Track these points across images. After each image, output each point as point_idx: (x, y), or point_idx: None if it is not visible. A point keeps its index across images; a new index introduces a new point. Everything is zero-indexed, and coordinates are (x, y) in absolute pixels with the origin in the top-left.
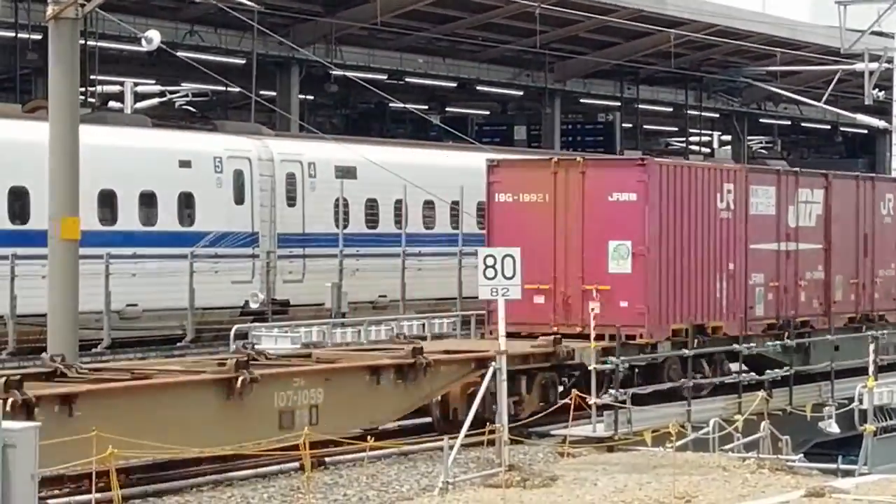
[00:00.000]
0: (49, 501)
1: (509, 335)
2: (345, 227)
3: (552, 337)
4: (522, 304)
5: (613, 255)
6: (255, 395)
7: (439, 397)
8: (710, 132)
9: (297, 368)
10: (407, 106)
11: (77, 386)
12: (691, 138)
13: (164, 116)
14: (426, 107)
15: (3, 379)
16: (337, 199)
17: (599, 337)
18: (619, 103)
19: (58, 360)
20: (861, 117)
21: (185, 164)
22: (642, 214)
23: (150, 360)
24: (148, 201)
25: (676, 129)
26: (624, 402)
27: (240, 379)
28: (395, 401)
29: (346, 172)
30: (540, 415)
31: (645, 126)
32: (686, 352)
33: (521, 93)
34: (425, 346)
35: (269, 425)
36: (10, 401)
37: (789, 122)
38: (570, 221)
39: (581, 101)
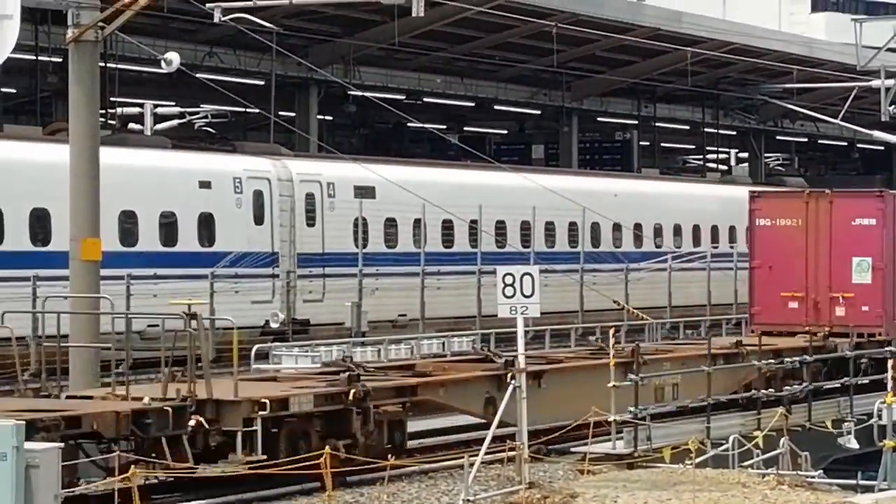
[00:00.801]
0: None
1: (767, 333)
2: (364, 246)
3: (821, 333)
4: (779, 308)
5: (857, 268)
6: (642, 375)
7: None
8: (727, 150)
9: (667, 355)
10: (425, 125)
11: (543, 366)
12: (708, 156)
13: (184, 138)
14: (444, 126)
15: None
16: (356, 219)
17: (845, 334)
18: (636, 121)
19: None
20: (878, 134)
21: (204, 184)
22: (880, 236)
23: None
24: (168, 222)
25: (693, 146)
26: (644, 418)
27: (635, 363)
28: (725, 381)
29: (365, 192)
30: (560, 432)
31: (662, 144)
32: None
33: (539, 112)
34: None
35: (650, 398)
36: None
37: (806, 139)
38: (819, 241)
39: (598, 119)
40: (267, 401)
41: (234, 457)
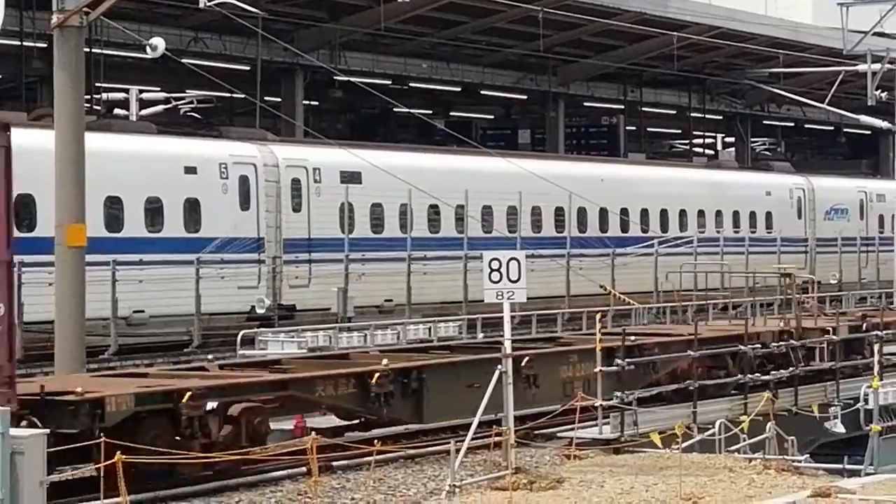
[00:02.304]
0: None
1: None
2: (350, 231)
3: None
4: None
5: None
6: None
7: None
8: (713, 134)
9: None
10: (411, 111)
11: None
12: (695, 140)
13: (170, 123)
14: (430, 111)
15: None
16: (342, 204)
17: None
18: (622, 106)
19: None
20: (864, 118)
21: (190, 170)
22: None
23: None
24: (154, 207)
25: (680, 131)
26: (630, 403)
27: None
28: None
29: (351, 177)
30: (546, 417)
31: (648, 129)
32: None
33: (525, 97)
34: None
35: None
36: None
37: (793, 124)
38: None
39: (585, 104)
40: (831, 328)
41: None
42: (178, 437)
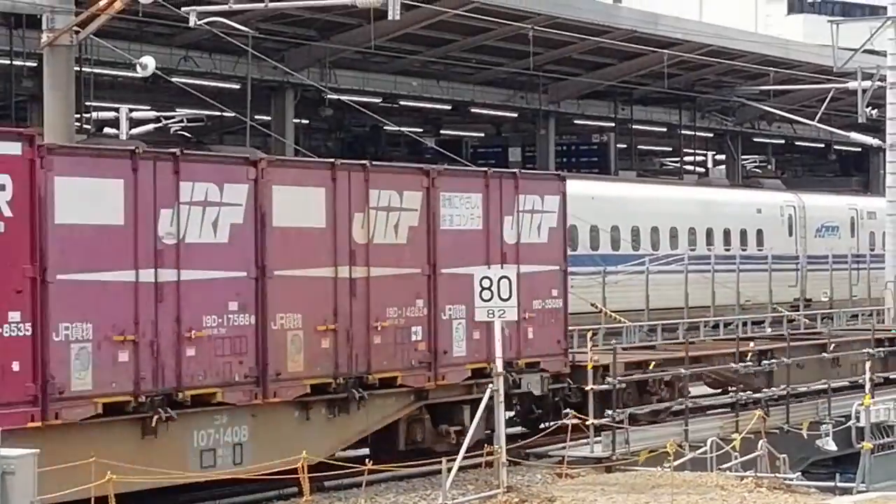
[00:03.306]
0: None
1: None
2: None
3: None
4: None
5: None
6: None
7: None
8: (704, 152)
9: None
10: (402, 129)
11: None
12: (685, 158)
13: (159, 142)
14: (421, 129)
15: None
16: None
17: None
18: (613, 124)
19: None
20: (854, 135)
21: None
22: None
23: None
24: None
25: (670, 148)
26: (621, 422)
27: None
28: None
29: None
30: (537, 437)
31: (639, 146)
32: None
33: (516, 114)
34: None
35: None
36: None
37: (783, 141)
38: None
39: (575, 122)
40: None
41: None
42: (641, 395)
